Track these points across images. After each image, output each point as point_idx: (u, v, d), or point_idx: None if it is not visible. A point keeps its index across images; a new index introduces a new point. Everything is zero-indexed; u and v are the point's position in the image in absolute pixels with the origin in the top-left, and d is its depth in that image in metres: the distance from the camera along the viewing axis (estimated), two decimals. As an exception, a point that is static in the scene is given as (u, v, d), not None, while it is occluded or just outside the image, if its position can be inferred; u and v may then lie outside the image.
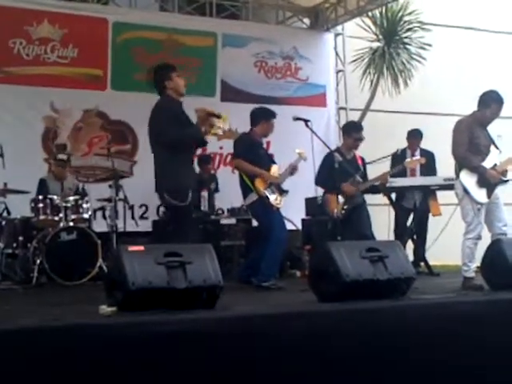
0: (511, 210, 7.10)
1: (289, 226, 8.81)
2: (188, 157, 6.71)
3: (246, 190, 7.56)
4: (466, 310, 5.18)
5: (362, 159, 8.55)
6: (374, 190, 8.51)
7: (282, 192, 7.61)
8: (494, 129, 7.01)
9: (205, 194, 9.78)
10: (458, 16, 13.76)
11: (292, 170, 7.72)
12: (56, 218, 8.23)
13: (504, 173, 6.80)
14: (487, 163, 6.73)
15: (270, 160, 7.83)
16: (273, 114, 7.77)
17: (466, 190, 6.64)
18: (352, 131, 8.47)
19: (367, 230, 8.04)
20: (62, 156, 9.01)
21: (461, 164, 6.77)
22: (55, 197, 8.33)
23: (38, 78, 9.99)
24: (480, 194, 6.64)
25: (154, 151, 6.66)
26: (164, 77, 6.69)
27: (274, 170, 7.66)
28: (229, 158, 10.80)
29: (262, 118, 7.72)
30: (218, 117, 6.56)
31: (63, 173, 8.92)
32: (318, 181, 8.26)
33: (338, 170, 7.79)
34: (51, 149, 10.01)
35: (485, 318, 5.05)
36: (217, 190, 10.17)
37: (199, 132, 6.48)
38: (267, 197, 7.40)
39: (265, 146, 8.33)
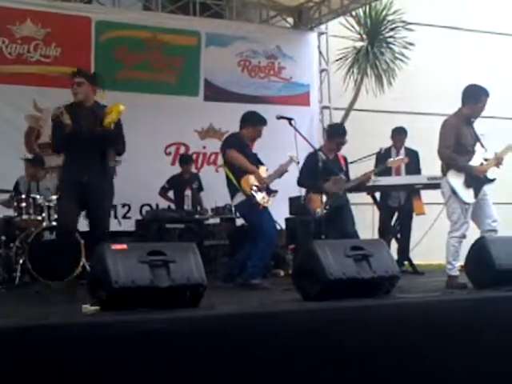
0: (501, 208, 7.10)
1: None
2: (67, 157, 6.56)
3: (233, 190, 7.53)
4: (450, 308, 5.19)
5: (345, 158, 8.57)
6: (356, 188, 8.52)
7: (271, 192, 7.61)
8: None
9: (188, 193, 9.76)
10: (441, 15, 13.80)
11: (282, 172, 7.71)
12: (39, 218, 8.16)
13: (499, 161, 6.79)
14: (474, 162, 6.74)
15: (258, 161, 7.81)
16: (261, 121, 7.73)
17: (453, 191, 6.65)
18: (336, 135, 8.49)
19: (350, 228, 8.05)
20: (29, 156, 8.88)
21: (448, 164, 6.77)
22: (38, 196, 8.27)
23: (20, 77, 9.93)
24: (467, 195, 6.65)
25: None
26: None
27: (262, 171, 7.64)
28: (212, 157, 10.82)
29: (250, 122, 7.70)
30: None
31: (36, 173, 8.80)
32: (301, 182, 8.27)
33: (322, 169, 7.80)
34: (34, 148, 9.96)
35: (469, 316, 5.06)
36: (200, 188, 10.16)
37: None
38: (254, 196, 7.39)
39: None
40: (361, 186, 8.49)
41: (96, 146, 6.36)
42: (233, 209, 8.96)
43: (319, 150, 8.05)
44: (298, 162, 7.78)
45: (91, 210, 6.46)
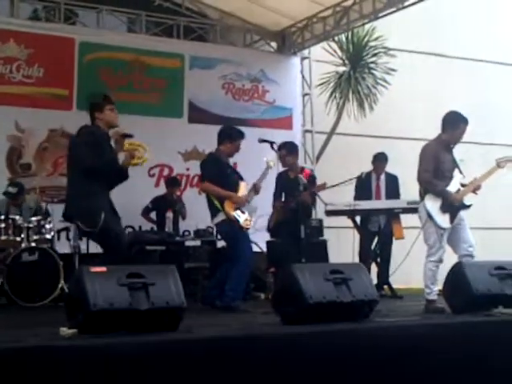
0: (477, 233, 7.12)
1: (254, 248, 8.76)
2: (102, 186, 6.40)
3: (215, 210, 7.51)
4: (428, 332, 5.22)
5: (309, 174, 8.51)
6: (337, 212, 8.59)
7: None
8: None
9: (169, 215, 9.74)
10: (422, 42, 13.95)
11: (256, 189, 7.72)
12: (18, 239, 8.13)
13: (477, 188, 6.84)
14: (451, 187, 6.78)
15: (239, 177, 7.80)
16: (239, 135, 7.70)
17: (429, 215, 6.68)
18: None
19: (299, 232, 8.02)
20: (11, 189, 8.74)
21: (426, 189, 6.81)
22: (17, 217, 8.23)
23: (2, 97, 9.91)
24: (443, 219, 6.67)
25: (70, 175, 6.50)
26: (95, 108, 6.47)
27: (242, 186, 7.63)
28: (195, 179, 10.80)
29: (227, 137, 7.68)
30: (130, 136, 6.40)
31: (17, 201, 8.74)
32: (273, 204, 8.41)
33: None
34: (15, 168, 9.93)
35: (446, 340, 5.09)
36: (181, 212, 10.13)
37: (115, 162, 6.28)
38: (237, 220, 7.39)
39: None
40: (342, 210, 8.57)
41: None
42: (213, 229, 8.94)
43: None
44: (273, 166, 7.92)
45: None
